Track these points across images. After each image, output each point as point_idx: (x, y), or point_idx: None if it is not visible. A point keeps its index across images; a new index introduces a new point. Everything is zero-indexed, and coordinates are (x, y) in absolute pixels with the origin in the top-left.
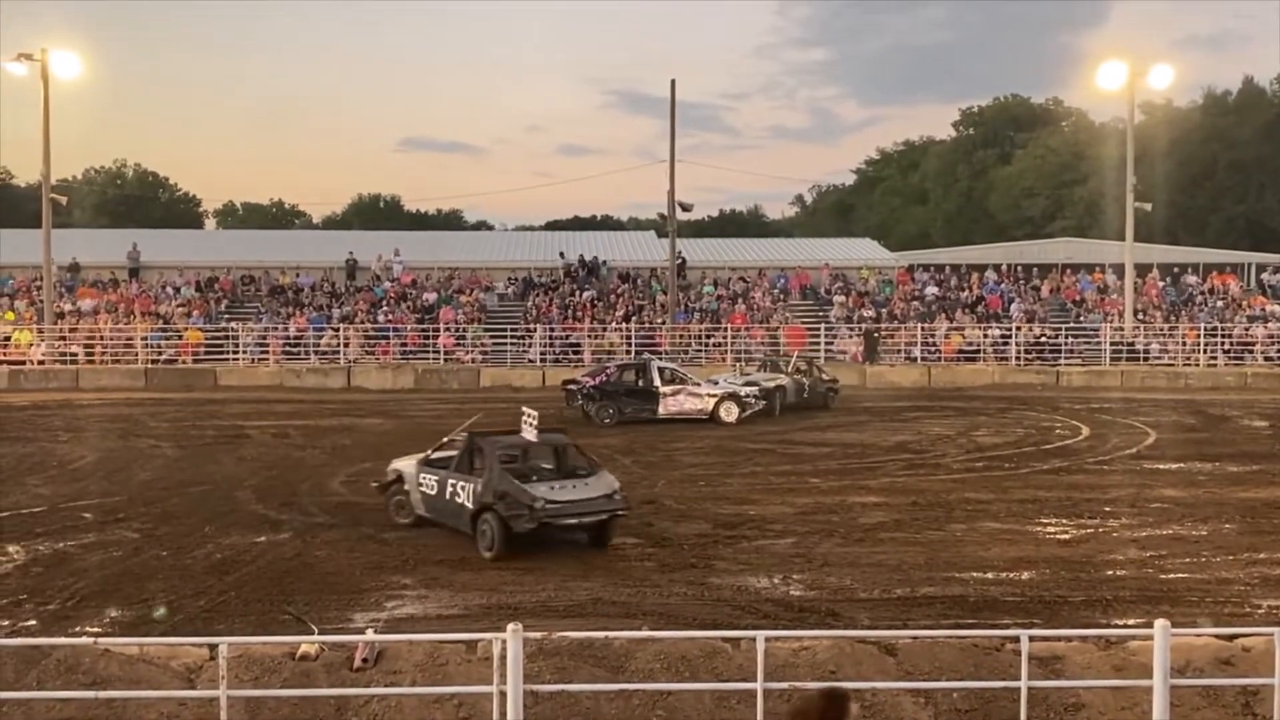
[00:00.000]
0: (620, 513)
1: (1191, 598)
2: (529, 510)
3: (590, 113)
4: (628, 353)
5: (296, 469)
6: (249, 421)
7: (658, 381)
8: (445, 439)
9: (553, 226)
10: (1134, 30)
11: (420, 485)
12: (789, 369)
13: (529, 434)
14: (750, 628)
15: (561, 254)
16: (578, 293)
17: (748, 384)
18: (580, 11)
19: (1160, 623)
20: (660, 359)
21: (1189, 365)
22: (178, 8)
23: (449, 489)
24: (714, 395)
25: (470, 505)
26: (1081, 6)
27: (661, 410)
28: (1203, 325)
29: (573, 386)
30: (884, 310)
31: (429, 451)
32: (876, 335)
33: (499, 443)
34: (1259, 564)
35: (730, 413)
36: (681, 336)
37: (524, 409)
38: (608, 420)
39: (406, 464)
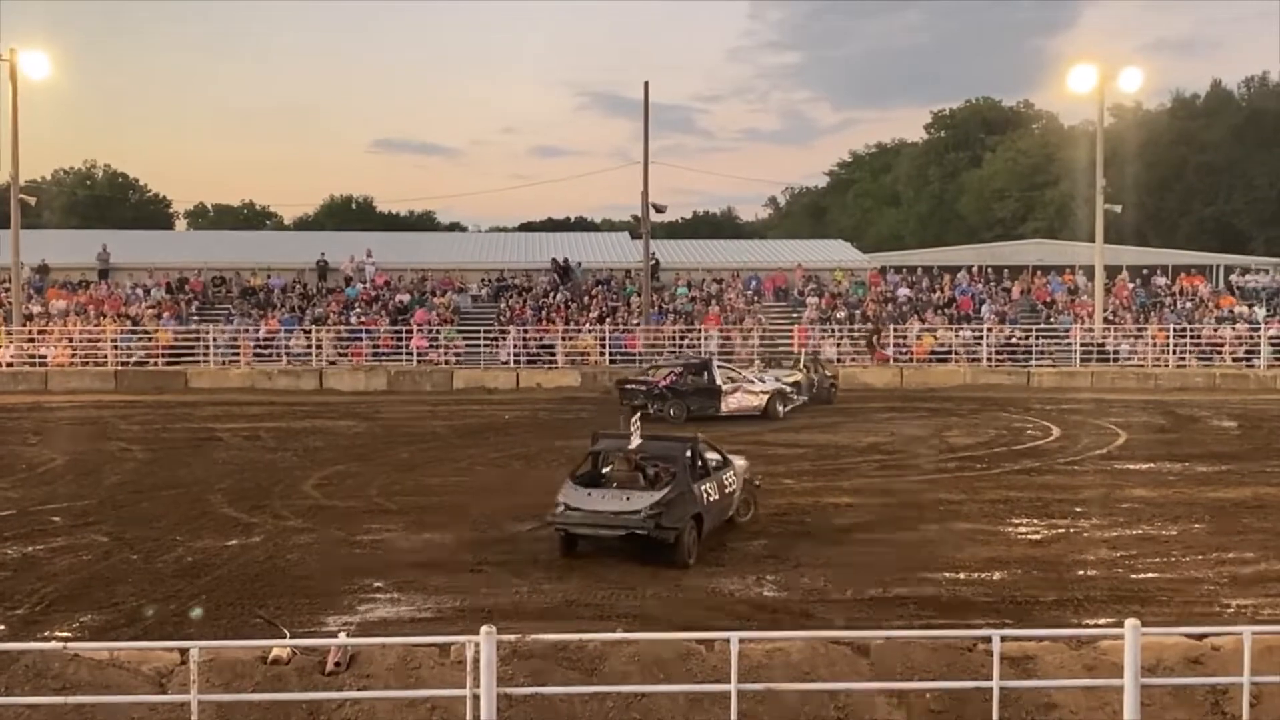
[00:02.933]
0: (638, 531)
1: (1162, 597)
2: (552, 514)
3: (566, 114)
4: (602, 354)
5: (268, 472)
6: (220, 424)
7: (718, 380)
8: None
9: (527, 228)
10: (1104, 34)
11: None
12: (800, 366)
13: (634, 439)
14: (724, 629)
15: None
16: (551, 294)
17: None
18: (556, 14)
19: (1131, 622)
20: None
21: (1158, 366)
22: (148, 8)
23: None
24: (765, 392)
25: None
26: (1052, 10)
27: (723, 407)
28: (1172, 326)
29: (638, 386)
30: (857, 312)
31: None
32: (880, 331)
33: (600, 444)
34: (1228, 564)
35: (781, 409)
36: (655, 338)
37: (634, 419)
38: (677, 417)
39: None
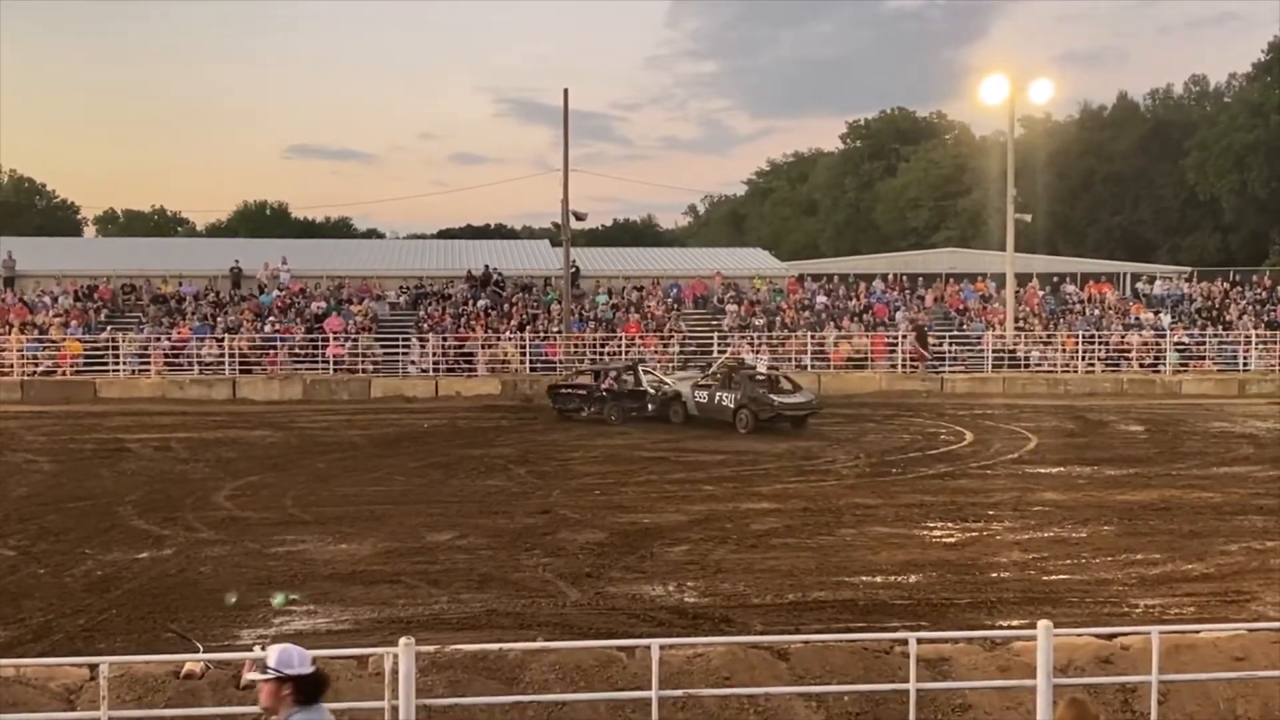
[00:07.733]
0: (817, 410)
1: (1072, 598)
2: (770, 406)
3: (485, 121)
4: (522, 362)
5: (180, 483)
6: (130, 435)
7: (644, 383)
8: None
9: (446, 235)
10: (1014, 46)
11: (694, 397)
12: (714, 369)
13: (762, 369)
14: (645, 636)
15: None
16: (471, 302)
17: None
18: (474, 20)
19: (1043, 623)
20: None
21: (1068, 372)
22: (55, 10)
23: (718, 398)
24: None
25: (731, 405)
26: (964, 22)
27: (650, 407)
28: (1081, 333)
29: (575, 391)
30: (775, 319)
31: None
32: (926, 331)
33: (740, 371)
34: (1136, 565)
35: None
36: (576, 345)
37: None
38: (615, 419)
39: (681, 386)
